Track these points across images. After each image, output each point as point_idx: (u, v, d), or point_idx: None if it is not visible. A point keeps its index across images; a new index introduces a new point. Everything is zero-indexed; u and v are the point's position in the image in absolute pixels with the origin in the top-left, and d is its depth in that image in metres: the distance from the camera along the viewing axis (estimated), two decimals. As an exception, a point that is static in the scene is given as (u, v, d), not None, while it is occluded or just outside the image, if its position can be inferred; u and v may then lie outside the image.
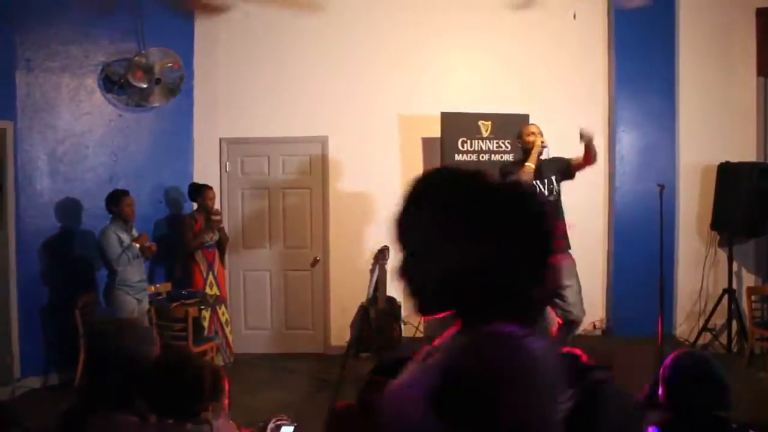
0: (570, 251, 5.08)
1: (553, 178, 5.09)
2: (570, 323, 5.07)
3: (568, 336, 5.09)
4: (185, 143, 6.94)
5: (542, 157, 5.16)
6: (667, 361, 2.19)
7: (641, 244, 6.35)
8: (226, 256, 6.81)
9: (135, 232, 5.71)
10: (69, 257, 6.02)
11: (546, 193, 5.05)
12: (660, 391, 2.18)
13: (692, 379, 2.12)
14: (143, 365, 2.20)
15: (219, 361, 6.14)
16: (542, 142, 5.04)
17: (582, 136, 4.87)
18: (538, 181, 5.05)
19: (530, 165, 5.00)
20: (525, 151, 5.12)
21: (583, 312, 5.19)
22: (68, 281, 5.92)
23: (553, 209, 5.00)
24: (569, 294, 5.01)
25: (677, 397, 2.13)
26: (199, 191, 6.33)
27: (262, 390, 5.48)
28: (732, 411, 2.20)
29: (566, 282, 5.00)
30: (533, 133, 5.07)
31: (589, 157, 4.98)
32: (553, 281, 1.21)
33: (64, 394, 5.33)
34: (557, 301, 5.04)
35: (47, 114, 5.93)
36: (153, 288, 6.10)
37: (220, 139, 7.02)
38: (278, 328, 7.02)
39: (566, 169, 5.15)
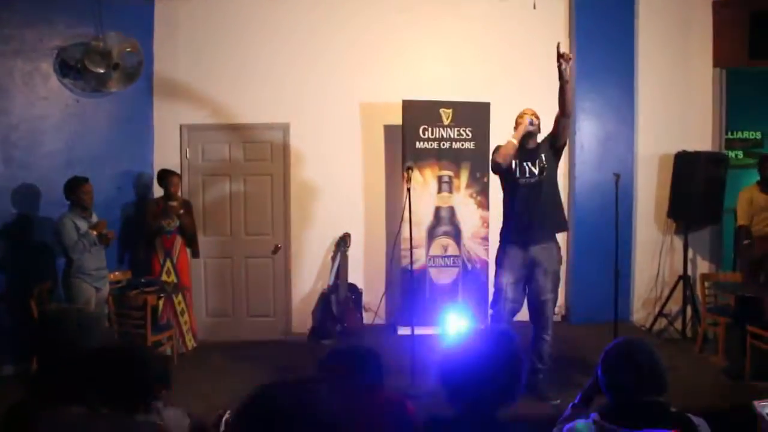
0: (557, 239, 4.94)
1: (543, 156, 4.78)
2: (539, 305, 4.93)
3: (541, 320, 4.96)
4: (145, 129, 6.83)
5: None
6: (607, 348, 2.24)
7: (600, 232, 6.43)
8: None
9: (95, 219, 5.63)
10: (26, 245, 5.88)
11: (536, 171, 4.74)
12: (600, 378, 2.23)
13: (624, 365, 2.15)
14: (90, 355, 2.17)
15: (180, 349, 6.14)
16: (532, 121, 4.71)
17: (560, 55, 4.45)
18: (528, 163, 4.75)
19: (512, 141, 4.68)
20: None
21: (552, 295, 4.96)
22: (25, 270, 5.78)
23: (539, 189, 4.76)
24: (540, 278, 4.83)
25: (613, 383, 2.17)
26: (164, 177, 6.27)
27: (222, 378, 5.45)
28: (685, 396, 2.25)
29: (537, 268, 4.82)
30: (525, 114, 4.77)
31: (564, 97, 4.58)
32: None
33: (19, 385, 5.22)
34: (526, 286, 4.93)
35: (0, 99, 5.79)
36: (113, 275, 6.02)
37: (181, 126, 6.92)
38: (239, 316, 6.98)
39: (552, 138, 4.81)
